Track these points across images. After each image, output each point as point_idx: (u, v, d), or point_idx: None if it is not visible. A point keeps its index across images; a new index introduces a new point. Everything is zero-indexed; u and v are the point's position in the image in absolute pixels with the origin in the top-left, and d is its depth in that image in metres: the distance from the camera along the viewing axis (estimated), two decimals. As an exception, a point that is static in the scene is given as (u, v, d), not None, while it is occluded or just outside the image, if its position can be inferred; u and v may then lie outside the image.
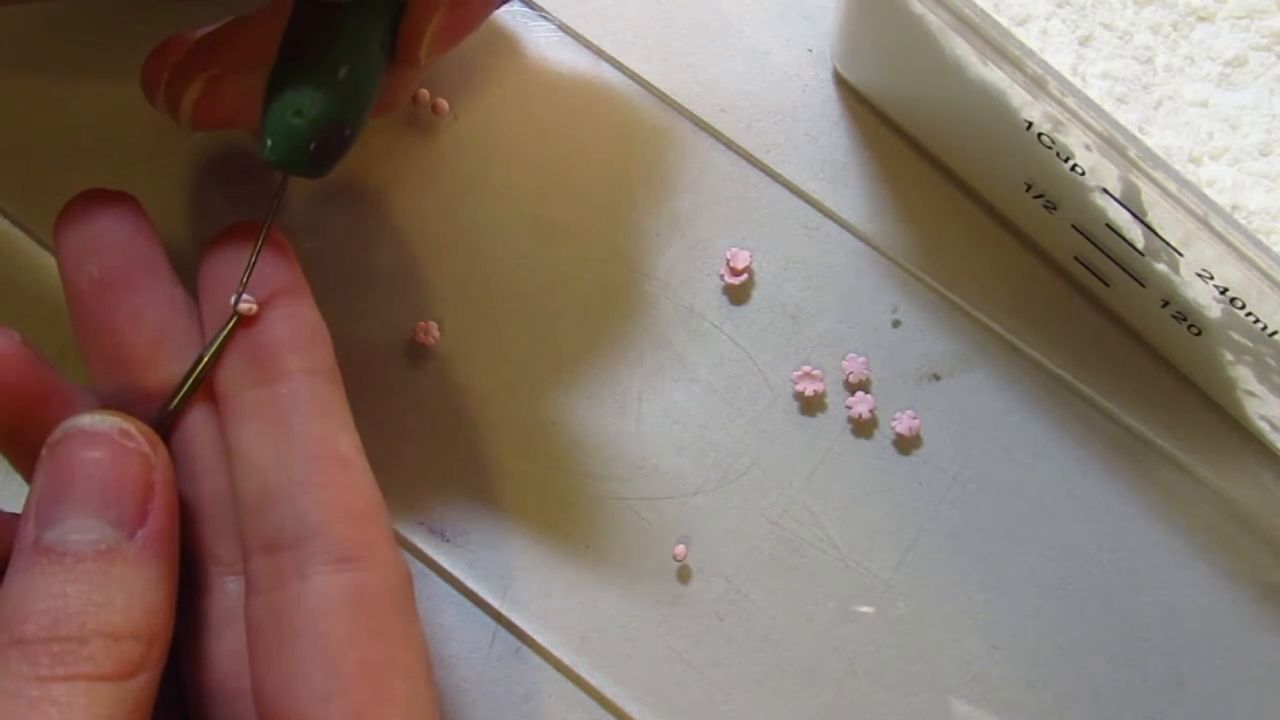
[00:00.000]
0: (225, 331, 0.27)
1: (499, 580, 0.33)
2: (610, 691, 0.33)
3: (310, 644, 0.23)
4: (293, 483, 0.25)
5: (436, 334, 0.34)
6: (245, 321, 0.27)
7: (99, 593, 0.23)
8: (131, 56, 0.30)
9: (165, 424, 0.27)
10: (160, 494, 0.24)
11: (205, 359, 0.27)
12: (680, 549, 0.33)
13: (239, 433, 0.26)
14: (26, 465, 0.27)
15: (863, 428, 0.34)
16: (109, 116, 0.35)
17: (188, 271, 0.29)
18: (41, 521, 0.23)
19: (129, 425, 0.25)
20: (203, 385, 0.27)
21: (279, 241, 0.28)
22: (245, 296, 0.27)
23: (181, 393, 0.27)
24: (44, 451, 0.24)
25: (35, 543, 0.23)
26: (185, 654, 0.26)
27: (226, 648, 0.26)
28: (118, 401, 0.27)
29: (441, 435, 0.34)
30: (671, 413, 0.34)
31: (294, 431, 0.25)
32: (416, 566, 0.33)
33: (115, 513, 0.24)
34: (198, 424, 0.27)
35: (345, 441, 0.26)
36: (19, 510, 0.27)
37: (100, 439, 0.24)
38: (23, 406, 0.26)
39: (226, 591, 0.26)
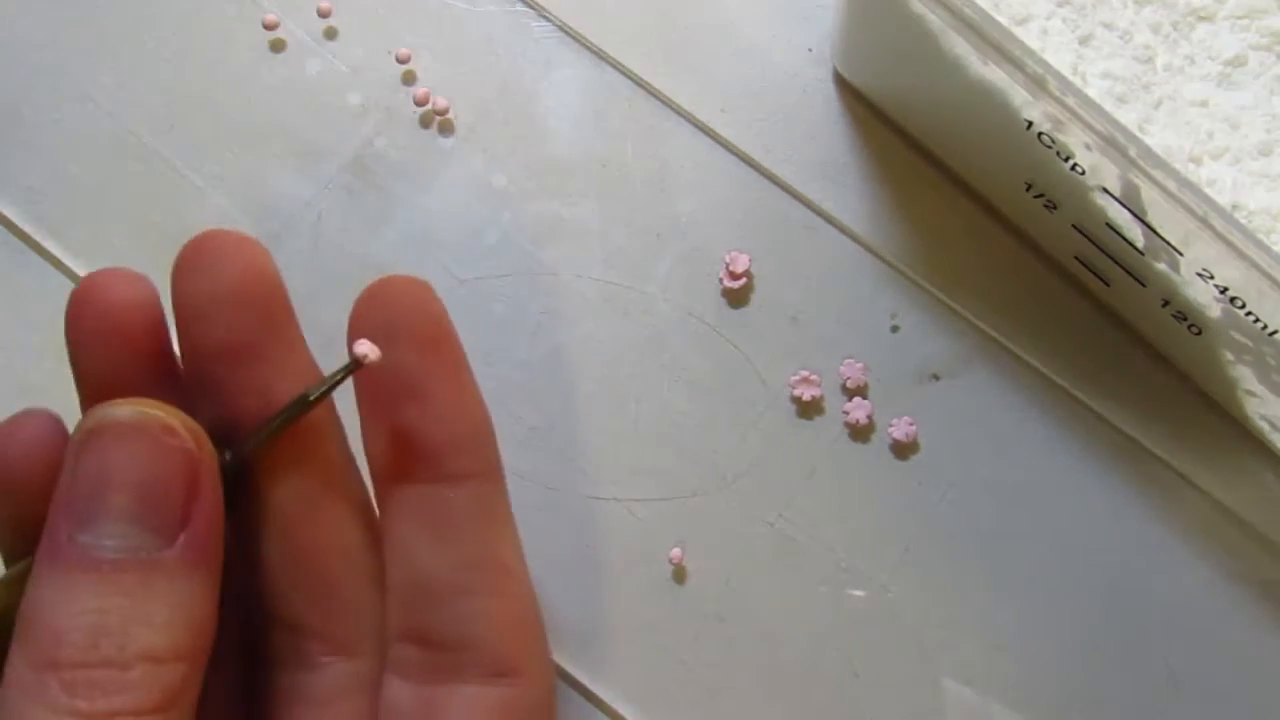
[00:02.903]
0: (339, 376, 0.24)
1: (498, 581, 0.33)
2: (609, 692, 0.33)
3: None
4: (453, 589, 0.24)
5: (436, 334, 0.34)
6: (397, 396, 0.24)
7: (140, 609, 0.21)
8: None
9: (247, 456, 0.24)
10: (205, 495, 0.22)
11: (313, 398, 0.24)
12: (677, 551, 0.33)
13: (397, 523, 0.25)
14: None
15: (860, 433, 0.34)
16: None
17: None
18: (75, 519, 0.22)
19: (172, 420, 0.22)
20: (361, 465, 0.25)
21: (437, 314, 0.25)
22: (366, 343, 0.24)
23: (272, 426, 0.24)
24: (77, 437, 0.22)
25: (69, 540, 0.21)
26: None
27: None
28: None
29: (441, 436, 0.34)
30: (669, 415, 0.34)
31: (457, 536, 0.24)
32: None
33: (155, 519, 0.22)
34: (305, 483, 0.25)
35: (508, 547, 0.25)
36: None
37: (141, 435, 0.22)
38: (33, 500, 0.23)
39: (336, 671, 0.25)
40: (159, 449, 0.22)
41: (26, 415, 0.24)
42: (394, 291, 0.25)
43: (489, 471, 0.25)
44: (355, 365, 0.24)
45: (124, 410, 0.22)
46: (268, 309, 0.25)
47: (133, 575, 0.21)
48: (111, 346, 0.24)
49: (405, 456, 0.25)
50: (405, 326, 0.25)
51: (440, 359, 0.25)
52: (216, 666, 0.25)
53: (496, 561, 0.25)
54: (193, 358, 0.25)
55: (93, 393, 0.25)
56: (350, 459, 0.26)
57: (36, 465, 0.24)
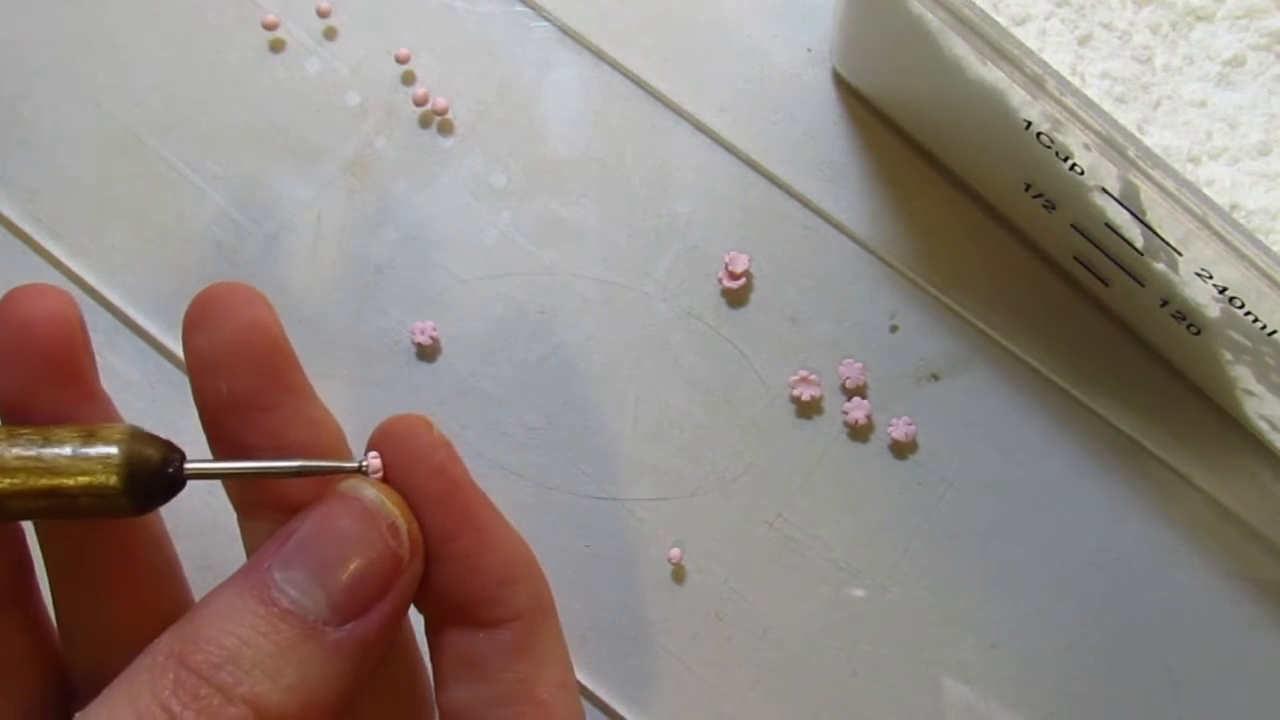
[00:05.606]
0: (333, 467, 0.24)
1: (498, 580, 0.33)
2: (609, 692, 0.33)
3: None
4: None
5: (436, 334, 0.35)
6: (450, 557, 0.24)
7: (275, 662, 0.22)
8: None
9: (197, 475, 0.24)
10: (391, 600, 0.23)
11: (294, 468, 0.24)
12: (676, 551, 0.33)
13: (438, 658, 0.25)
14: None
15: (859, 432, 0.34)
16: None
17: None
18: (284, 556, 0.23)
19: (402, 525, 0.24)
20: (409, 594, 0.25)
21: (439, 463, 0.25)
22: (378, 458, 0.24)
23: (244, 466, 0.24)
24: (331, 491, 0.24)
25: (266, 569, 0.23)
26: None
27: None
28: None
29: (441, 435, 0.34)
30: (669, 414, 0.34)
31: (491, 676, 0.25)
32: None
33: (341, 597, 0.23)
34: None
35: (549, 681, 0.25)
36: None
37: (372, 521, 0.23)
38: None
39: None
40: (379, 541, 0.23)
41: None
42: (394, 442, 0.25)
43: (527, 613, 0.25)
44: (355, 469, 0.24)
45: (371, 493, 0.24)
46: (269, 362, 0.25)
47: (290, 630, 0.22)
48: (24, 362, 0.24)
49: (438, 610, 0.25)
50: (410, 484, 0.25)
51: (453, 513, 0.25)
52: None
53: (532, 698, 0.25)
54: (206, 410, 0.25)
55: (6, 408, 0.25)
56: None
57: None
